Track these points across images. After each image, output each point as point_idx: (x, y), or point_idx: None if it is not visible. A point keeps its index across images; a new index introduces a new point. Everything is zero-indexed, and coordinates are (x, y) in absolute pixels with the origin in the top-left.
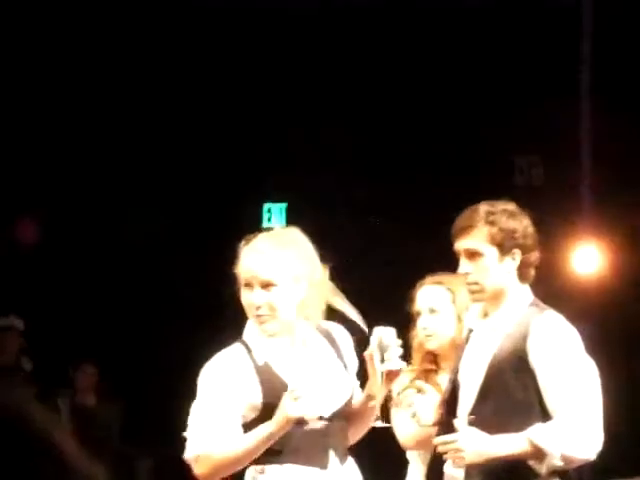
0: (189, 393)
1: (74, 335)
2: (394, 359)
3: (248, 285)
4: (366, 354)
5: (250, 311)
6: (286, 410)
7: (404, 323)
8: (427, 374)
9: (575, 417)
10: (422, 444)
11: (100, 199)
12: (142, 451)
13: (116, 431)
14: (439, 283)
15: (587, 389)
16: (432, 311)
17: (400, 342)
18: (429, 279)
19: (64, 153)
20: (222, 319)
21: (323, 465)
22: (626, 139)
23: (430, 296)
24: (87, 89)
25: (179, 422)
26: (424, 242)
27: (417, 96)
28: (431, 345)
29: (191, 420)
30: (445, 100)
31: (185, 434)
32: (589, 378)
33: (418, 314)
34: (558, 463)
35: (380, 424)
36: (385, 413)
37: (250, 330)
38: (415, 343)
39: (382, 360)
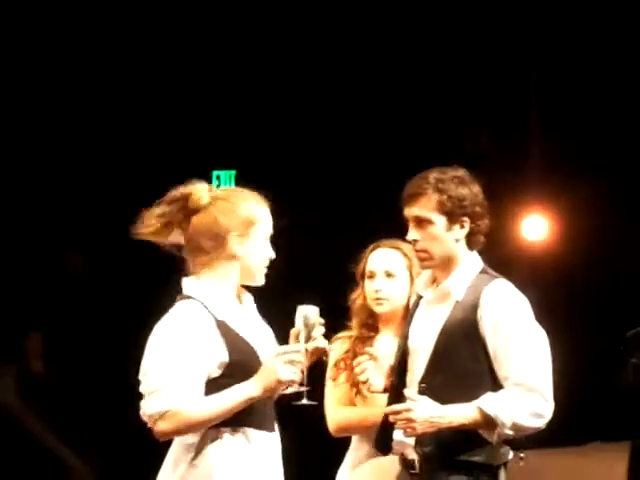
0: (136, 360)
1: (21, 306)
2: (320, 337)
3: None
4: (292, 332)
5: (263, 263)
6: (278, 373)
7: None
8: (365, 341)
9: (526, 385)
10: (354, 428)
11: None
12: (89, 418)
13: (62, 397)
14: (396, 248)
15: (538, 357)
16: (388, 275)
17: (323, 321)
18: (386, 242)
19: None
20: (170, 290)
21: (271, 428)
22: (574, 110)
23: (387, 260)
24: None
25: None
26: (373, 209)
27: (366, 66)
28: (382, 309)
29: (154, 374)
30: (395, 70)
31: (145, 389)
32: (540, 346)
33: (371, 276)
34: (509, 432)
35: (307, 402)
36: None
37: (197, 287)
38: (357, 305)
39: (307, 338)
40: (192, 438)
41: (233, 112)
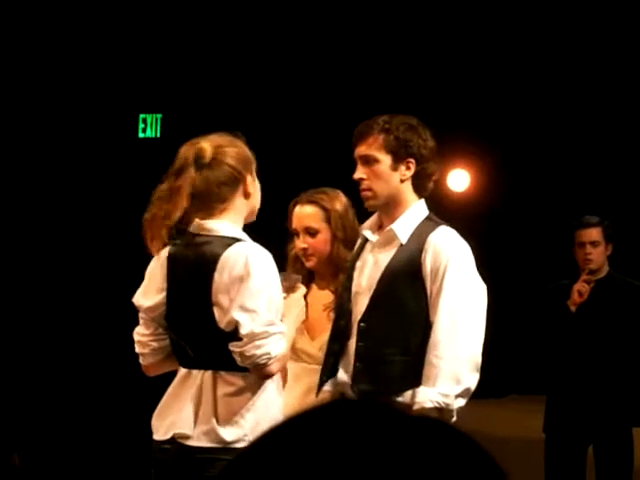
0: None
1: None
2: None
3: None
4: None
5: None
6: None
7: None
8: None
9: (448, 341)
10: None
11: None
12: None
13: None
14: (313, 202)
15: (470, 309)
16: (309, 231)
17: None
18: (304, 197)
19: None
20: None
21: None
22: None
23: (305, 217)
24: None
25: None
26: (297, 160)
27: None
28: (310, 264)
29: (272, 315)
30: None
31: (267, 329)
32: (474, 297)
33: (296, 234)
34: (462, 403)
35: None
36: None
37: (237, 229)
38: (291, 256)
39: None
40: (252, 380)
41: (160, 56)
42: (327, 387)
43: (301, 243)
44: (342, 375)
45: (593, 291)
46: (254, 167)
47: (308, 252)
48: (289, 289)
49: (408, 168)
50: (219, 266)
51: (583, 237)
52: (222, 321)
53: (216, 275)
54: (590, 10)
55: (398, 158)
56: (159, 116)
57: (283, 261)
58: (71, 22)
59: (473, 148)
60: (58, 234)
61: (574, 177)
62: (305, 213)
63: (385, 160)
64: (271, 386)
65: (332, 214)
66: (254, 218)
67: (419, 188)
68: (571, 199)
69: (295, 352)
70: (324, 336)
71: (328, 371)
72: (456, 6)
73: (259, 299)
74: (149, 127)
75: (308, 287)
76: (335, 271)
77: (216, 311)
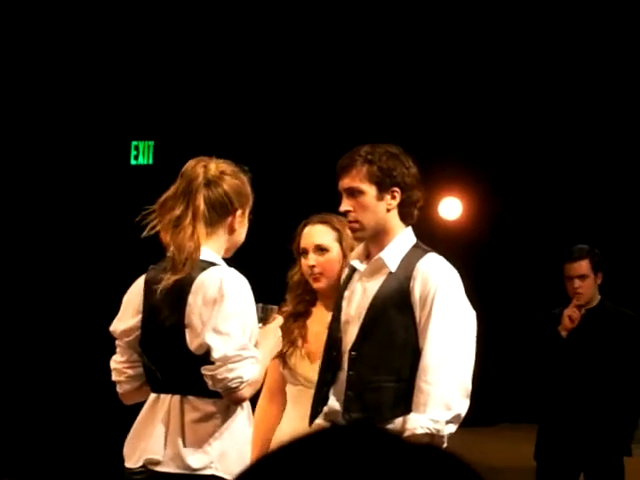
0: None
1: None
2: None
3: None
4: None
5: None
6: None
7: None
8: (298, 317)
9: (428, 377)
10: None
11: None
12: None
13: None
14: (325, 222)
15: (459, 335)
16: (320, 249)
17: (281, 319)
18: (315, 218)
19: None
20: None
21: None
22: (482, 125)
23: (317, 235)
24: None
25: None
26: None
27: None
28: (319, 285)
29: (244, 339)
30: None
31: (241, 353)
32: (463, 323)
33: (305, 252)
34: (453, 429)
35: None
36: None
37: (216, 256)
38: (293, 281)
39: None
40: (220, 406)
41: (152, 84)
42: (320, 418)
43: (310, 261)
44: (334, 403)
45: (584, 319)
46: (248, 206)
47: (316, 271)
48: (264, 320)
49: (393, 197)
50: (194, 289)
51: (571, 271)
52: (193, 343)
53: (190, 298)
54: (578, 38)
55: (383, 188)
56: (151, 143)
57: (277, 289)
58: (63, 50)
59: (465, 176)
60: (49, 261)
61: (566, 205)
62: (316, 231)
63: (370, 191)
64: (241, 415)
65: (343, 235)
66: (229, 255)
67: (405, 216)
68: (563, 227)
69: (294, 376)
70: None
71: (322, 401)
72: (447, 34)
73: (233, 323)
74: (141, 154)
75: (310, 312)
76: None
77: (187, 333)
